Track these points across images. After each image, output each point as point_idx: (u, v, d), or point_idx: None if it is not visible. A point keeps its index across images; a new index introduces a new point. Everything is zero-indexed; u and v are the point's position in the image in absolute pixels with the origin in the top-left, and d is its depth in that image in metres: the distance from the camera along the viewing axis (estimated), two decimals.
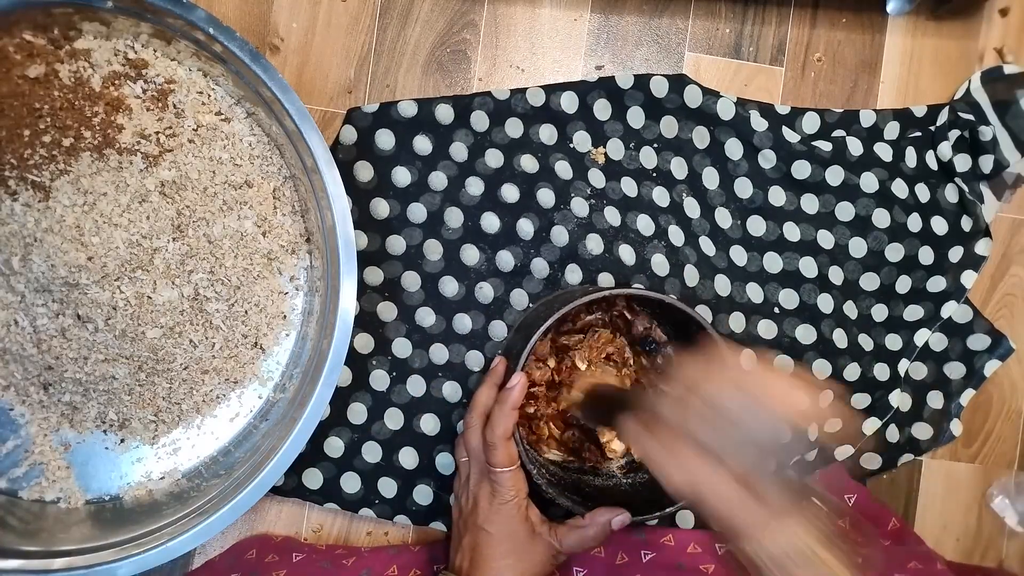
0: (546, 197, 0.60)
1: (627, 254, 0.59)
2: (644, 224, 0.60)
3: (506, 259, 0.60)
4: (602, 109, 0.61)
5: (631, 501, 0.52)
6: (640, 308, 0.59)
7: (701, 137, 0.62)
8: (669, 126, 0.61)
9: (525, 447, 0.53)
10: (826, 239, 0.62)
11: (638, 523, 0.51)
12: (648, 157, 0.61)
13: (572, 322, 0.59)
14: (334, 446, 0.58)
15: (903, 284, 0.63)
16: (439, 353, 0.59)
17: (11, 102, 0.48)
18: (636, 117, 0.61)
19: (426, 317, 0.59)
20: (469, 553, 0.50)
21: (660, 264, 0.60)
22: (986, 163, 0.62)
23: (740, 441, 0.35)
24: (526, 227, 0.60)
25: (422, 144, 0.59)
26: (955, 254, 0.63)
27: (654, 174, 0.61)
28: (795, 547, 0.34)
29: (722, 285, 0.61)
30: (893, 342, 0.63)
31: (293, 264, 0.56)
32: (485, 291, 0.60)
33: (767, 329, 0.62)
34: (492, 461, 0.50)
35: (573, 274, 0.60)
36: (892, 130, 0.63)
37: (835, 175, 0.62)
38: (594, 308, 0.59)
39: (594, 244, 0.59)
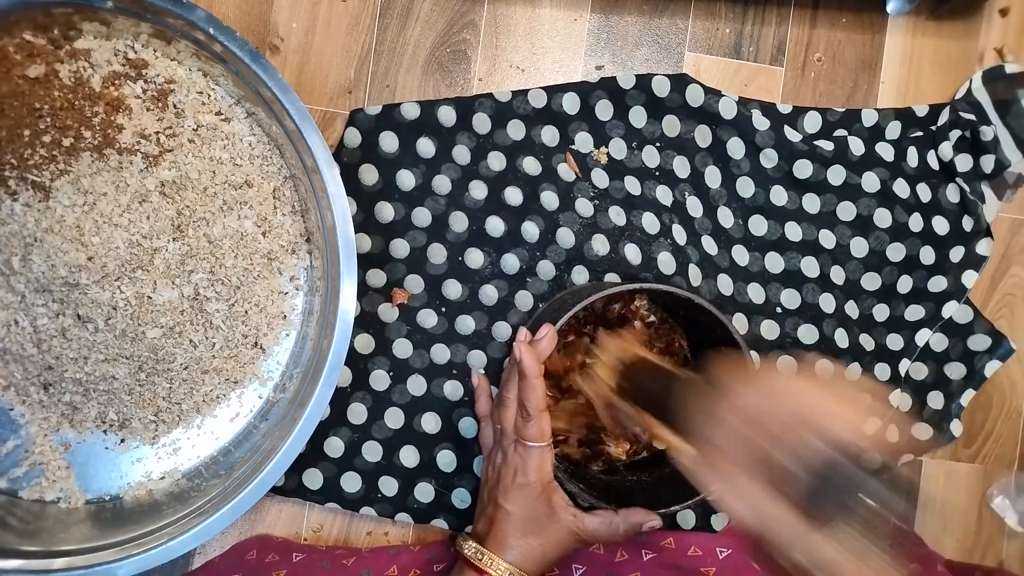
0: (550, 199, 0.60)
1: (633, 253, 0.59)
2: (649, 222, 0.60)
3: (511, 262, 0.60)
4: (604, 109, 0.61)
5: (633, 497, 0.52)
6: (653, 304, 0.59)
7: (703, 136, 0.62)
8: (671, 125, 0.61)
9: None
10: (827, 239, 0.62)
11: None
12: (651, 156, 0.61)
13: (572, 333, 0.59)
14: (334, 446, 0.58)
15: (904, 284, 0.63)
16: (440, 353, 0.59)
17: (11, 102, 0.48)
18: (638, 117, 0.61)
19: (428, 318, 0.59)
20: (488, 525, 0.50)
21: (666, 262, 0.60)
22: (987, 163, 0.62)
23: (793, 466, 0.33)
24: (531, 229, 0.60)
25: (425, 147, 0.59)
26: (956, 254, 0.63)
27: (657, 173, 0.61)
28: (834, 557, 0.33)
29: (725, 284, 0.61)
30: (894, 342, 0.63)
31: (293, 264, 0.56)
32: (489, 293, 0.60)
33: (770, 329, 0.62)
34: (525, 435, 0.49)
35: (579, 275, 0.60)
36: (894, 130, 0.63)
37: (836, 175, 0.62)
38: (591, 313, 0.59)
39: (600, 245, 0.59)
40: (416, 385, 0.59)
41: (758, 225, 0.62)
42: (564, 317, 0.50)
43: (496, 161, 0.60)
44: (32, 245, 0.48)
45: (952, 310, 0.63)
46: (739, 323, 0.61)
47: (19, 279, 0.49)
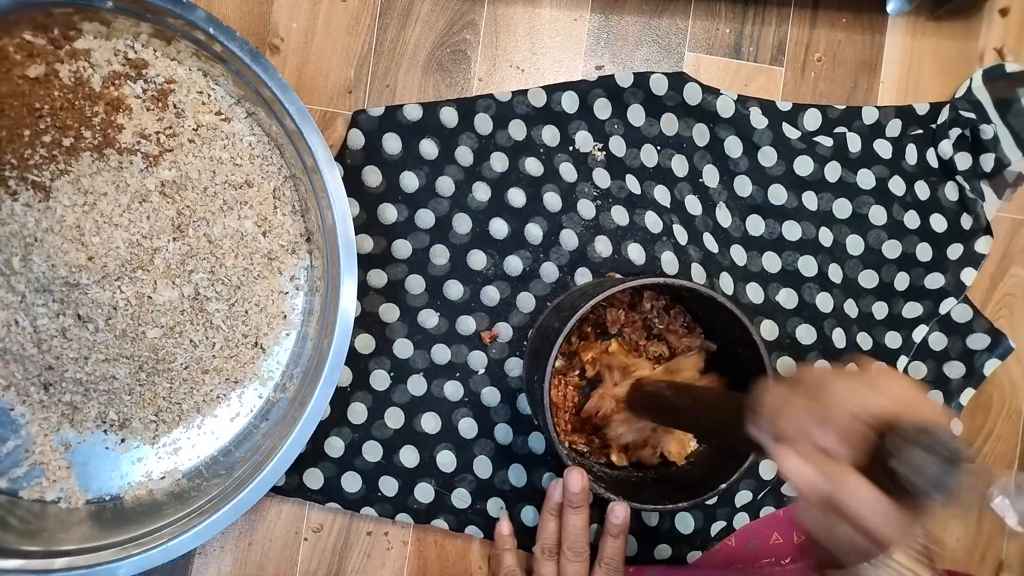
0: (552, 200, 0.60)
1: (636, 253, 0.60)
2: (652, 221, 0.60)
3: (514, 264, 0.60)
4: (602, 108, 0.61)
5: (637, 493, 0.53)
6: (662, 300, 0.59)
7: (701, 134, 0.62)
8: (669, 124, 0.61)
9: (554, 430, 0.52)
10: (825, 236, 0.62)
11: (637, 510, 0.53)
12: (649, 155, 0.61)
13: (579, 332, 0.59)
14: (335, 446, 0.58)
15: (901, 281, 0.63)
16: (441, 353, 0.59)
17: (11, 102, 0.48)
18: (636, 115, 0.61)
19: (429, 319, 0.59)
20: None
21: (670, 262, 0.60)
22: (987, 161, 0.62)
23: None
24: (534, 231, 0.60)
25: (428, 148, 0.59)
26: (954, 251, 0.63)
27: (655, 172, 0.61)
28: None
29: (726, 283, 0.61)
30: (892, 340, 0.63)
31: (293, 264, 0.56)
32: (491, 294, 0.60)
33: (770, 330, 0.62)
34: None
35: (583, 277, 0.60)
36: (894, 127, 0.63)
37: (833, 171, 0.62)
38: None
39: (603, 246, 0.59)
40: (416, 385, 0.59)
41: (755, 225, 0.62)
42: (574, 316, 0.50)
43: (499, 162, 0.60)
44: (32, 245, 0.48)
45: (950, 307, 0.63)
46: None
47: (19, 279, 0.49)
